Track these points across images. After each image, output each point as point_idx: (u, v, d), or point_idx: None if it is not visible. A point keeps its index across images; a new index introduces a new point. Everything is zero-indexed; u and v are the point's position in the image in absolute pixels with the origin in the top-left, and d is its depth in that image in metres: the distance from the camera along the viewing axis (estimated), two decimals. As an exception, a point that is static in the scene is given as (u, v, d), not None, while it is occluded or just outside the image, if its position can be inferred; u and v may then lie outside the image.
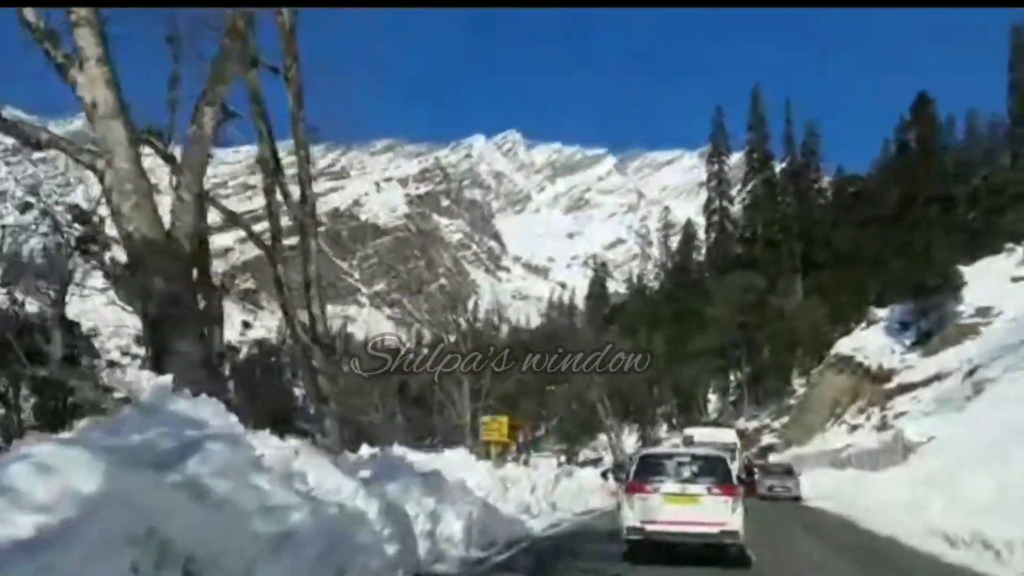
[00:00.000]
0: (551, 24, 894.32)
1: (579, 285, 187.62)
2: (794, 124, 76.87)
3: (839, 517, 21.69)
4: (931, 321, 51.71)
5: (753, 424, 68.78)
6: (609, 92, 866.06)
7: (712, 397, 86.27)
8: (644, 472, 12.41)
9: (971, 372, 37.59)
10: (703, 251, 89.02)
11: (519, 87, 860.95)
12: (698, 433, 31.24)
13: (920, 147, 65.84)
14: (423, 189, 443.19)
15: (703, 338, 71.02)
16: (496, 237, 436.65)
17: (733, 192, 79.94)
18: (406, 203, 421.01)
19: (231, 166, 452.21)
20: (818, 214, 75.55)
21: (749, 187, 76.40)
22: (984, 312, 47.47)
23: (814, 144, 78.30)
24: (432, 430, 43.70)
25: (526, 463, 64.30)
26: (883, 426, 40.98)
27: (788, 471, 33.11)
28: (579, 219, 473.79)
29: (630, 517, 12.08)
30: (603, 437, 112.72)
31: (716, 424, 63.29)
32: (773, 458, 49.03)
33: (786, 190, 77.57)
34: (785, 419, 64.64)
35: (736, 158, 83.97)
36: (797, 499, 30.25)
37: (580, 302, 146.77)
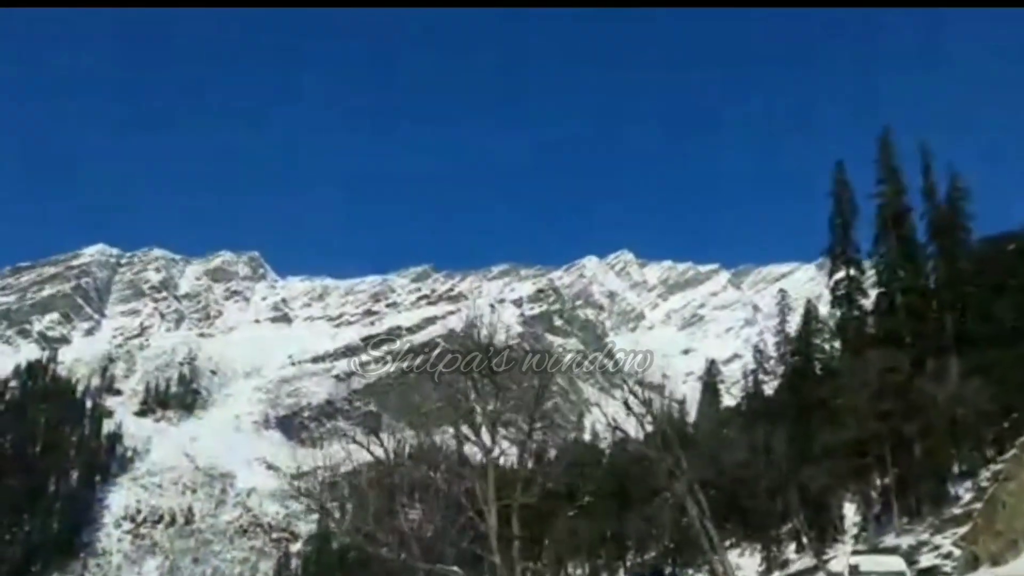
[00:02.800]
0: (658, 142, 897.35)
1: (694, 399, 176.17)
2: (933, 173, 64.05)
3: None
4: None
5: (907, 540, 53.90)
6: (718, 209, 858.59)
7: (849, 508, 71.32)
8: None
9: None
10: (827, 338, 75.44)
11: (629, 208, 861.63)
12: (864, 561, 25.77)
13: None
14: (537, 309, 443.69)
15: (835, 433, 57.31)
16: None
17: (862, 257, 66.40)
18: (520, 323, 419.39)
19: (356, 295, 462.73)
20: (971, 279, 61.58)
21: (883, 250, 62.98)
22: None
23: (959, 197, 65.05)
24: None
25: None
26: None
27: None
28: (694, 335, 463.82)
29: None
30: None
31: (874, 548, 50.93)
32: None
33: (927, 252, 64.26)
34: (952, 532, 49.87)
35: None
36: None
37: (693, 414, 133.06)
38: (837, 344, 69.54)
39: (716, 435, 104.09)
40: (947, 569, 47.04)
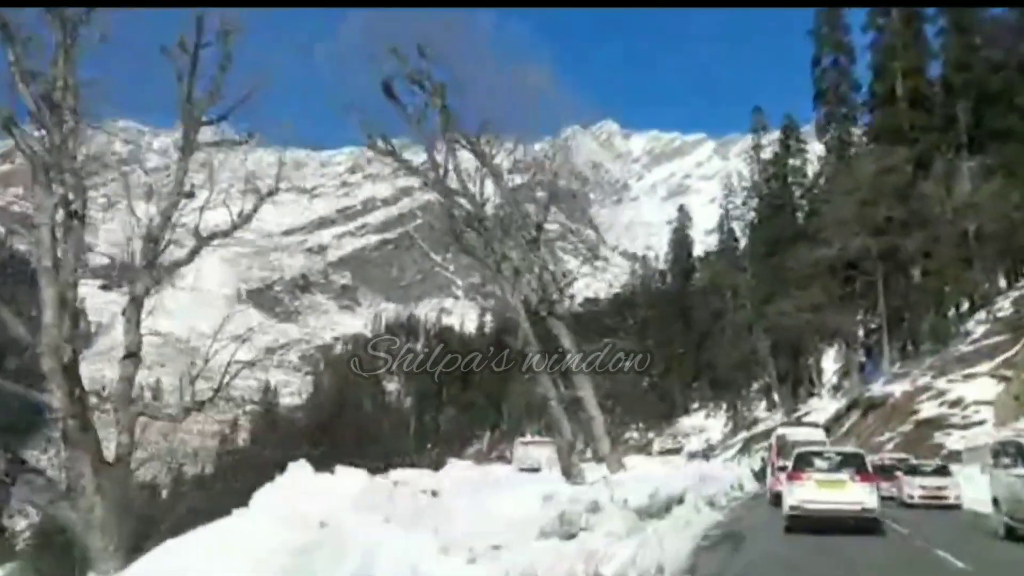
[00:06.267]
0: (642, 12, 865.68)
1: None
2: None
3: None
4: None
5: (901, 387, 42.04)
6: (705, 76, 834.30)
7: (828, 357, 59.80)
8: (800, 464, 16.16)
9: None
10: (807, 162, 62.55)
11: (613, 76, 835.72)
12: (790, 432, 27.32)
13: None
14: (517, 181, 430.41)
15: (812, 253, 44.90)
16: (594, 227, 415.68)
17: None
18: (500, 196, 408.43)
19: (332, 167, 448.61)
20: (990, 59, 47.92)
21: (881, 22, 49.02)
22: None
23: (978, -34, 51.08)
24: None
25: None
26: None
27: None
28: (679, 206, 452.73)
29: (791, 498, 15.89)
30: (686, 420, 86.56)
31: (798, 421, 46.29)
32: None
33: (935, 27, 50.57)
34: (961, 373, 37.92)
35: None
36: None
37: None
38: (820, 151, 56.31)
39: (683, 288, 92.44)
40: (955, 420, 35.28)
